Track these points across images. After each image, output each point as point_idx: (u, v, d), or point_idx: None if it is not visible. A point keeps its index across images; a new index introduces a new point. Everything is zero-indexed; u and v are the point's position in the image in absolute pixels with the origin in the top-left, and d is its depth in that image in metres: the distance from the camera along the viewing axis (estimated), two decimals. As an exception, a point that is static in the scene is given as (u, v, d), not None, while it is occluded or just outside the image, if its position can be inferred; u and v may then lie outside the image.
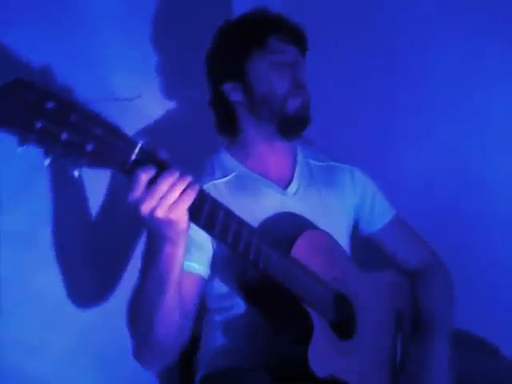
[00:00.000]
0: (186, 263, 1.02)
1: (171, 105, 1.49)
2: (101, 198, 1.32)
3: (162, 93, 1.46)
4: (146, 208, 0.77)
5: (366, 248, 1.37)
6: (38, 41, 1.11)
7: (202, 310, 1.18)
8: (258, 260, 0.94)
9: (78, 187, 1.26)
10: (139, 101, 0.86)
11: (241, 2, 1.46)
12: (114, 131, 0.72)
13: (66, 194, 1.24)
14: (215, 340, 1.21)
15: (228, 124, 1.26)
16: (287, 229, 1.12)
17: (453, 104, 1.55)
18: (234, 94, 1.21)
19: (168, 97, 1.48)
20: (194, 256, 1.07)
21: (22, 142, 0.66)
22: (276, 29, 1.19)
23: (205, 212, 0.84)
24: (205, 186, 1.12)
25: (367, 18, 1.62)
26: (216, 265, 1.14)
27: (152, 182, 0.76)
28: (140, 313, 0.95)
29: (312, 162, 1.32)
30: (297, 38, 1.22)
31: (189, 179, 0.79)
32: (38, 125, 0.66)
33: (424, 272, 1.34)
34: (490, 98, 1.49)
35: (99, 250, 1.35)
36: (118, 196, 1.32)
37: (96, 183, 1.27)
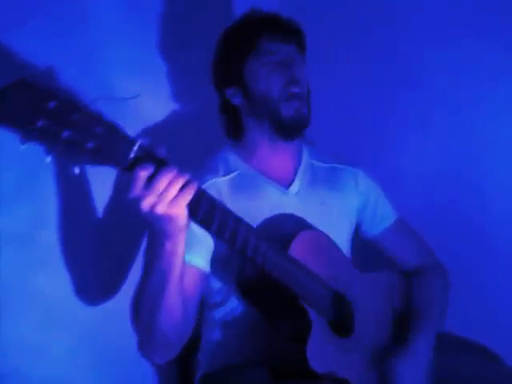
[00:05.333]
0: (188, 257, 1.04)
1: (174, 104, 1.50)
2: (104, 197, 1.33)
3: (163, 92, 1.48)
4: (145, 204, 0.80)
5: (366, 249, 1.38)
6: (40, 40, 1.12)
7: (201, 306, 1.18)
8: (255, 256, 0.96)
9: (82, 186, 1.27)
10: (141, 100, 0.87)
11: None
12: (114, 130, 0.74)
13: (69, 194, 1.24)
14: (214, 338, 1.22)
15: (234, 128, 1.29)
16: (286, 228, 1.13)
17: (453, 104, 1.56)
18: (234, 98, 1.24)
19: (171, 96, 1.50)
20: (195, 249, 1.09)
21: (25, 139, 0.68)
22: (266, 29, 1.22)
23: (202, 209, 0.86)
24: (207, 184, 1.15)
25: (367, 17, 1.63)
26: (215, 261, 1.15)
27: (151, 179, 0.78)
28: (143, 306, 0.98)
29: (316, 162, 1.33)
30: (289, 36, 1.23)
31: (187, 176, 0.81)
32: (40, 123, 0.68)
33: (422, 273, 1.35)
34: (490, 98, 1.50)
35: (103, 250, 1.35)
36: (120, 195, 1.33)
37: (99, 182, 1.27)
